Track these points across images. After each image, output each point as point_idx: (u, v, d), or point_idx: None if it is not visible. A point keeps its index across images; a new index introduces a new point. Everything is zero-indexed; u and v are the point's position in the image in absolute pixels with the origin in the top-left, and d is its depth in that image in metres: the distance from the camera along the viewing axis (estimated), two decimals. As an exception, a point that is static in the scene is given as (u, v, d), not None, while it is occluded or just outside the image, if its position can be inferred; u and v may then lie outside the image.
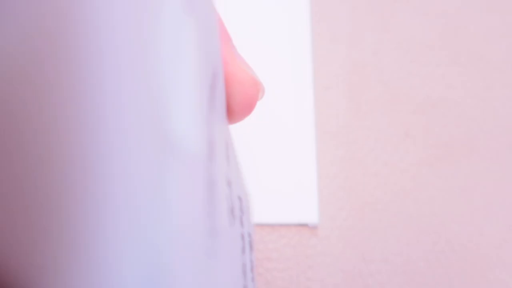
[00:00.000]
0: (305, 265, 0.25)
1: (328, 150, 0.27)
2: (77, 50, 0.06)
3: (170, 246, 0.08)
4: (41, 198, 0.07)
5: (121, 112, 0.07)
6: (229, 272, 0.11)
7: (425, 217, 0.26)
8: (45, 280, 0.07)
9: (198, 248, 0.09)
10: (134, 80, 0.07)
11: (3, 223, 0.07)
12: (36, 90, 0.06)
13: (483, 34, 0.29)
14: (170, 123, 0.08)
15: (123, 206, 0.07)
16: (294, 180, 0.26)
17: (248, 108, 0.13)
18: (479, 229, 0.25)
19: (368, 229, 0.26)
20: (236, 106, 0.12)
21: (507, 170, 0.26)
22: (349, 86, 0.28)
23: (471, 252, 0.25)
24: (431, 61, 0.28)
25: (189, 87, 0.09)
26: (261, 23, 0.29)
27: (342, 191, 0.26)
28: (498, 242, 0.25)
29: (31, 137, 0.06)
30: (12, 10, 0.06)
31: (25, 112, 0.06)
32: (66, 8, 0.06)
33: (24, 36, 0.06)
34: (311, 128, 0.27)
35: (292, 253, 0.25)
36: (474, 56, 0.28)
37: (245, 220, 0.13)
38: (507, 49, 0.28)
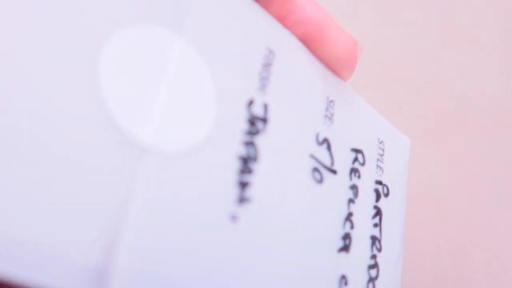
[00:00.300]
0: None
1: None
2: None
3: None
4: None
5: None
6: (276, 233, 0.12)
7: (416, 183, 0.27)
8: None
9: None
10: None
11: None
12: None
13: (473, 17, 0.30)
14: None
15: None
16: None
17: (351, 65, 0.14)
18: (466, 195, 0.26)
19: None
20: (340, 64, 0.14)
21: (492, 141, 0.27)
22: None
23: (458, 216, 0.26)
24: (424, 41, 0.30)
25: None
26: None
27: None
28: (484, 207, 0.26)
29: None
30: None
31: None
32: None
33: None
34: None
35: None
36: (464, 38, 0.30)
37: (370, 169, 0.14)
38: (494, 32, 0.30)
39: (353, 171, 0.14)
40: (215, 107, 0.11)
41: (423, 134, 0.28)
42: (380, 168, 0.15)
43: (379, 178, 0.15)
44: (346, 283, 0.13)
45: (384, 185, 0.15)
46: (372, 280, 0.14)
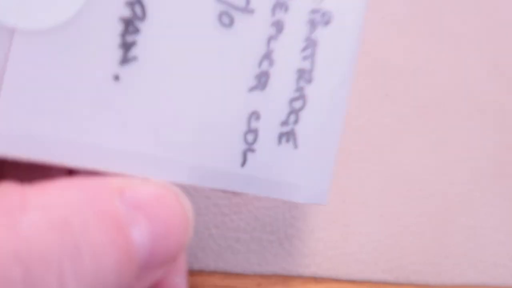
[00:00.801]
0: (291, 205, 0.28)
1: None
2: None
3: None
4: None
5: None
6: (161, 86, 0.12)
7: (401, 166, 0.28)
8: None
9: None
10: None
11: None
12: None
13: (457, 12, 0.32)
14: None
15: None
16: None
17: None
18: (448, 178, 0.28)
19: (349, 176, 0.28)
20: None
21: (472, 127, 0.29)
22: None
23: (440, 198, 0.28)
24: (410, 34, 0.31)
25: None
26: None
27: (327, 140, 0.29)
28: (464, 190, 0.28)
29: None
30: None
31: None
32: None
33: None
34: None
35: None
36: (447, 31, 0.31)
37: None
38: (475, 26, 0.32)
39: (278, 6, 0.14)
40: None
41: (409, 119, 0.29)
42: None
43: (316, 7, 0.14)
44: (257, 118, 0.14)
45: (324, 12, 0.15)
46: (295, 111, 0.14)
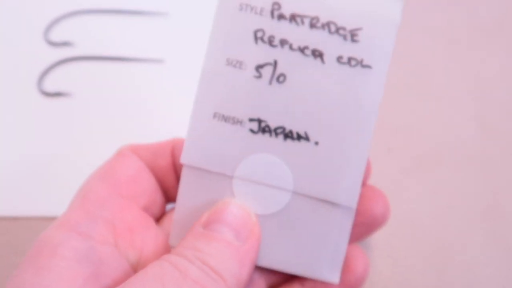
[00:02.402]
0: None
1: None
2: None
3: None
4: None
5: None
6: None
7: (403, 214, 0.33)
8: None
9: None
10: None
11: None
12: None
13: (444, 72, 0.37)
14: None
15: None
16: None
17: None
18: (445, 220, 0.33)
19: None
20: None
21: (463, 175, 0.34)
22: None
23: (437, 241, 0.32)
24: (405, 94, 0.37)
25: None
26: None
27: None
28: (460, 233, 0.33)
29: None
30: None
31: None
32: None
33: None
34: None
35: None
36: (440, 92, 0.36)
37: None
38: (461, 84, 0.37)
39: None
40: None
41: (409, 170, 0.34)
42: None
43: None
44: None
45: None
46: None
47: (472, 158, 0.35)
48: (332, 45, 0.22)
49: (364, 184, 0.23)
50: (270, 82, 0.22)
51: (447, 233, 0.33)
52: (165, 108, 0.36)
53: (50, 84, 0.36)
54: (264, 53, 0.22)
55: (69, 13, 0.38)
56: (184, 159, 0.23)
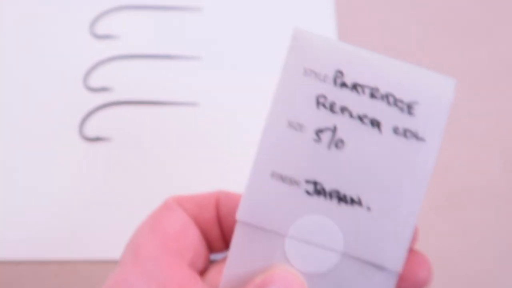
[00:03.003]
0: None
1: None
2: None
3: None
4: None
5: None
6: None
7: (433, 248, 0.34)
8: None
9: None
10: None
11: None
12: None
13: (469, 113, 0.38)
14: None
15: None
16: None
17: None
18: (473, 256, 0.34)
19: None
20: None
21: (489, 214, 0.35)
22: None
23: (466, 274, 0.34)
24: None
25: None
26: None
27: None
28: (490, 271, 0.34)
29: None
30: None
31: None
32: None
33: None
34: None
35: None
36: (466, 132, 0.38)
37: None
38: (486, 125, 0.38)
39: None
40: None
41: (436, 208, 0.35)
42: None
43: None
44: None
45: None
46: None
47: (499, 195, 0.36)
48: (389, 116, 0.23)
49: (410, 249, 0.24)
50: (329, 147, 0.23)
51: (474, 269, 0.34)
52: (202, 151, 0.37)
53: (91, 129, 0.37)
54: (324, 118, 0.23)
55: (107, 58, 0.40)
56: (240, 215, 0.23)
